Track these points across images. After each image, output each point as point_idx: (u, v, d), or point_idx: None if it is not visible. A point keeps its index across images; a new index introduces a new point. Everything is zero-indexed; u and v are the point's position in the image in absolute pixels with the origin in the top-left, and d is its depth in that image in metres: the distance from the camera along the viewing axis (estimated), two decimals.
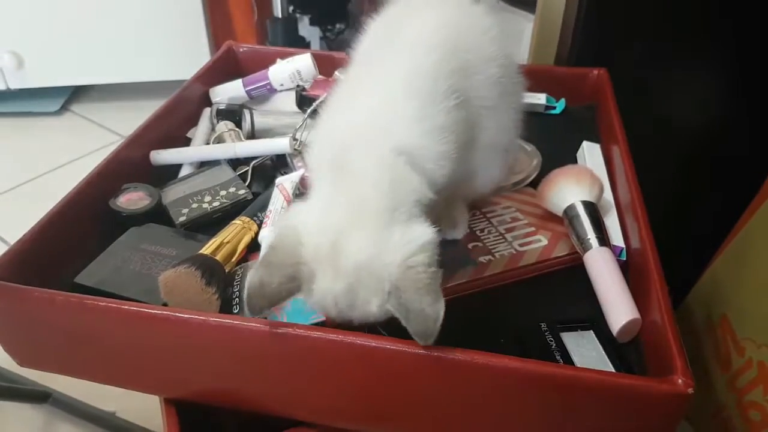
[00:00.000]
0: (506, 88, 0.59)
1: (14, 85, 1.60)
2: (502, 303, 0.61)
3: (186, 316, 0.52)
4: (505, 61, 0.59)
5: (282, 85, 0.94)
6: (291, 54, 0.98)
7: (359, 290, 0.46)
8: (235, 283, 0.62)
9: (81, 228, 0.67)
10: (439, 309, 0.44)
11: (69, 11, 1.52)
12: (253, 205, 0.72)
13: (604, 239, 0.63)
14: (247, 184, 0.77)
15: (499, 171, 0.66)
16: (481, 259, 0.64)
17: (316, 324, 0.56)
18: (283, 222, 0.51)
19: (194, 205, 0.73)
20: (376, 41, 0.60)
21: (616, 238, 0.66)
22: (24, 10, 1.52)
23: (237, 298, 0.60)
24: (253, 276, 0.47)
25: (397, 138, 0.50)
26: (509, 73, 0.60)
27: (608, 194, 0.73)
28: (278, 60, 0.97)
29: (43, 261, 0.61)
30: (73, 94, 1.72)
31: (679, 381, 0.45)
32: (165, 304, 0.58)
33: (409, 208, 0.48)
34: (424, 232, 0.47)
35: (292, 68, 0.94)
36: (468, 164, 0.58)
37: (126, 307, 0.53)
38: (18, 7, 1.51)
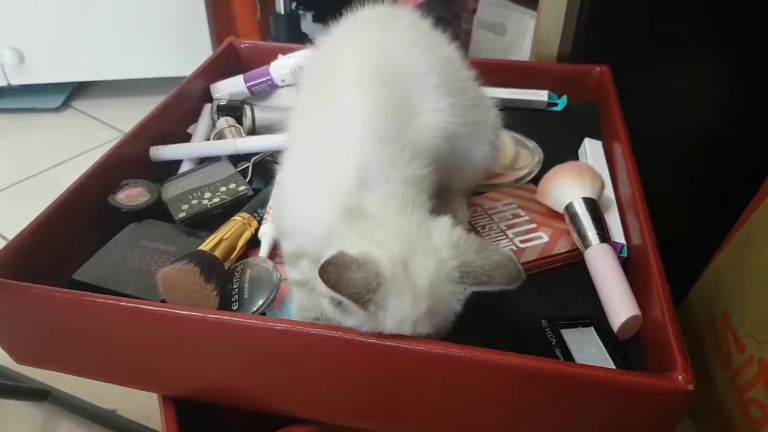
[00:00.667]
0: (453, 88, 0.59)
1: (15, 81, 1.60)
2: (503, 299, 0.60)
3: (185, 312, 0.52)
4: (441, 65, 0.59)
5: (283, 80, 0.94)
6: (293, 50, 0.97)
7: (438, 307, 0.47)
8: (234, 280, 0.61)
9: (80, 224, 0.67)
10: (505, 251, 0.47)
11: (70, 7, 1.52)
12: (253, 202, 0.72)
13: (605, 236, 0.63)
14: (247, 180, 0.77)
15: (487, 157, 0.66)
16: None
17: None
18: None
19: (194, 202, 0.73)
20: (318, 79, 0.60)
21: (617, 235, 0.66)
22: (25, 6, 1.51)
23: (236, 295, 0.60)
24: (335, 255, 0.45)
25: (385, 176, 0.51)
26: (451, 75, 0.60)
27: (609, 191, 0.72)
28: (279, 55, 0.97)
29: (41, 257, 0.61)
30: (75, 91, 1.72)
31: (680, 378, 0.45)
32: (164, 301, 0.57)
33: (423, 216, 0.50)
34: (441, 221, 0.50)
35: (294, 63, 0.93)
36: (453, 161, 0.59)
37: (124, 303, 0.53)
38: (19, 3, 1.50)
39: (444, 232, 0.49)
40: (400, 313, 0.46)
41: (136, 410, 0.98)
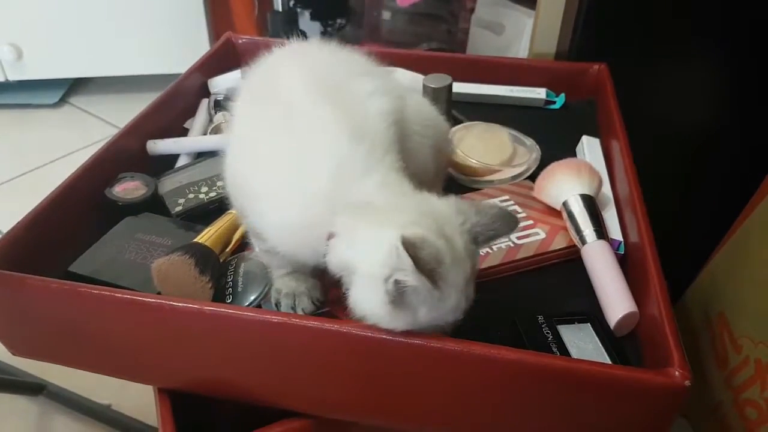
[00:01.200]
0: (387, 87, 0.61)
1: (13, 76, 1.60)
2: (500, 295, 0.61)
3: (180, 304, 0.52)
4: (375, 79, 0.61)
5: None
6: None
7: (472, 271, 0.49)
8: (229, 273, 0.61)
9: (76, 216, 0.67)
10: (493, 202, 0.51)
11: (68, 3, 1.52)
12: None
13: (602, 233, 0.63)
14: None
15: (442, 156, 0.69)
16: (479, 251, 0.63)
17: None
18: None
19: (191, 196, 0.72)
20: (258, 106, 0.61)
21: (615, 232, 0.66)
22: (23, 3, 1.51)
23: (230, 288, 0.60)
24: (405, 237, 0.44)
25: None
26: (383, 86, 0.61)
27: (607, 188, 0.72)
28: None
29: (37, 249, 0.61)
30: (72, 87, 1.72)
31: (676, 373, 0.44)
32: (159, 293, 0.57)
33: (421, 194, 0.52)
34: (433, 196, 0.52)
35: None
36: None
37: (120, 295, 0.53)
38: None
39: (445, 203, 0.51)
40: (456, 282, 0.47)
41: (130, 405, 0.98)
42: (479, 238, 0.50)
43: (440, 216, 0.49)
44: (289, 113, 0.55)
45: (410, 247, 0.43)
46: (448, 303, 0.47)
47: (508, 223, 0.51)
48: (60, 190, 0.65)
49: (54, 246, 0.63)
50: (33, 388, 0.98)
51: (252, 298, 0.59)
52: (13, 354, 0.61)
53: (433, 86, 0.84)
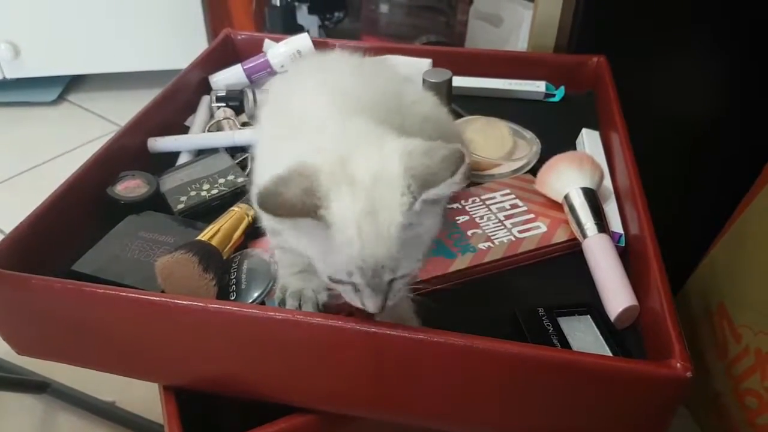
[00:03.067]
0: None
1: (11, 74, 1.59)
2: (501, 289, 0.61)
3: (184, 302, 0.52)
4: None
5: (282, 66, 0.94)
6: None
7: (380, 211, 0.44)
8: (232, 270, 0.61)
9: (78, 215, 0.67)
10: (453, 145, 0.46)
11: (65, 0, 1.51)
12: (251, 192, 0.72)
13: (603, 226, 0.63)
14: (246, 172, 0.77)
15: None
16: (481, 245, 0.64)
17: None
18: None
19: (192, 193, 0.73)
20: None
21: (615, 225, 0.66)
22: (20, 0, 1.51)
23: (234, 285, 0.60)
24: (267, 182, 0.45)
25: None
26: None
27: (608, 181, 0.73)
28: (269, 42, 0.97)
29: (40, 248, 0.61)
30: (70, 84, 1.71)
31: (678, 365, 0.45)
32: (163, 291, 0.57)
33: (383, 130, 0.51)
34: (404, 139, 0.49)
35: (291, 48, 0.94)
36: None
37: (124, 293, 0.53)
38: None
39: (401, 141, 0.48)
40: (342, 209, 0.44)
41: (135, 402, 0.98)
42: (415, 185, 0.44)
43: (366, 147, 0.47)
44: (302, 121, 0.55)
45: (268, 195, 0.44)
46: (338, 241, 0.44)
47: (450, 165, 0.44)
48: (62, 190, 0.65)
49: (57, 245, 0.63)
50: (37, 386, 0.98)
51: (255, 294, 0.59)
52: (19, 353, 0.61)
53: (432, 80, 0.84)
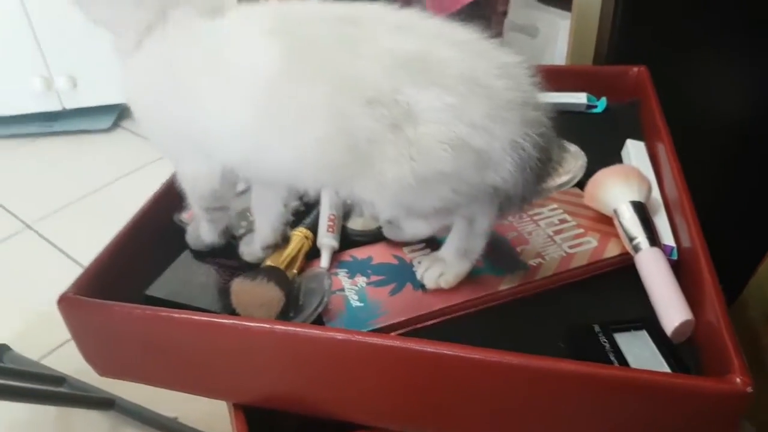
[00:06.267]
0: None
1: (69, 105, 1.68)
2: (554, 305, 0.62)
3: (253, 324, 0.56)
4: None
5: None
6: None
7: None
8: (293, 291, 0.65)
9: (150, 242, 0.71)
10: None
11: None
12: (309, 216, 0.75)
13: (654, 239, 0.64)
14: (299, 196, 0.80)
15: None
16: (532, 262, 0.65)
17: (374, 330, 0.59)
18: None
19: (252, 218, 0.76)
20: None
21: (667, 237, 0.67)
22: (76, 35, 1.59)
23: (293, 305, 0.63)
24: None
25: None
26: None
27: (656, 192, 0.73)
28: None
29: (116, 275, 0.66)
30: (123, 111, 1.79)
31: (737, 380, 0.45)
32: (233, 312, 0.61)
33: None
34: None
35: None
36: None
37: (197, 317, 0.57)
38: (70, 32, 1.58)
39: None
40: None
41: (195, 417, 1.03)
42: None
43: None
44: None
45: None
46: None
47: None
48: (134, 220, 0.70)
49: (131, 271, 0.67)
50: (104, 402, 1.04)
51: (311, 309, 0.62)
52: (100, 375, 0.66)
53: None
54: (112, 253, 0.66)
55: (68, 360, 1.07)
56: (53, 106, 1.67)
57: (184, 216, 0.75)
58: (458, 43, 0.53)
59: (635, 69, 0.94)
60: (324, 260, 0.69)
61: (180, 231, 0.74)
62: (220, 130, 0.58)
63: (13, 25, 1.54)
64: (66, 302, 0.61)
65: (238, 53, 0.56)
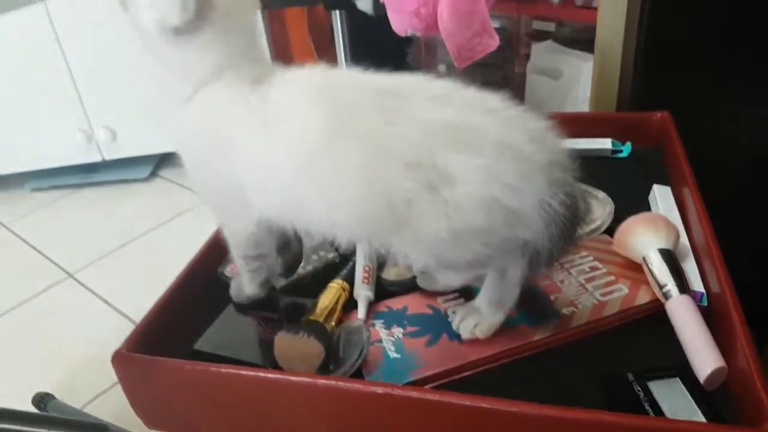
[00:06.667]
0: None
1: (108, 156, 1.76)
2: (588, 353, 0.64)
3: (296, 378, 0.59)
4: None
5: None
6: None
7: None
8: (332, 344, 0.67)
9: (196, 297, 0.75)
10: None
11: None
12: (345, 268, 0.78)
13: (684, 286, 0.65)
14: (334, 247, 0.83)
15: None
16: (565, 311, 0.67)
17: (412, 383, 0.61)
18: None
19: (327, 255, 0.81)
20: None
21: (696, 284, 0.68)
22: (115, 89, 1.67)
23: (333, 357, 0.65)
24: None
25: None
26: None
27: (684, 238, 0.75)
28: None
29: (166, 330, 0.69)
30: (161, 161, 1.87)
31: None
32: (276, 364, 0.64)
33: None
34: None
35: None
36: None
37: (245, 372, 0.60)
38: (110, 86, 1.66)
39: None
40: None
41: None
42: None
43: None
44: None
45: None
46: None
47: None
48: (181, 278, 0.74)
49: (180, 325, 0.71)
50: None
51: (350, 362, 0.64)
52: (148, 427, 0.69)
53: None
54: (162, 309, 0.70)
55: (110, 407, 1.10)
56: (94, 158, 1.76)
57: (228, 270, 0.79)
58: (491, 111, 0.57)
59: (658, 114, 0.97)
60: (360, 311, 0.71)
61: (224, 285, 0.77)
62: (261, 182, 0.62)
63: (57, 80, 1.63)
64: (119, 359, 0.64)
65: (283, 115, 0.60)
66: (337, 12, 1.39)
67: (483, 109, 0.57)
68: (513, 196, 0.55)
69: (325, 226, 0.62)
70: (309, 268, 0.80)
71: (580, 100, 1.40)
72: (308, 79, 0.63)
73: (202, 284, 0.77)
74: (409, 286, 0.75)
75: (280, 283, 0.78)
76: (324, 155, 0.58)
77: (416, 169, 0.55)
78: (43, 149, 1.75)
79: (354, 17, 1.47)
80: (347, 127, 0.58)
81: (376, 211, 0.57)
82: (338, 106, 0.59)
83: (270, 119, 0.61)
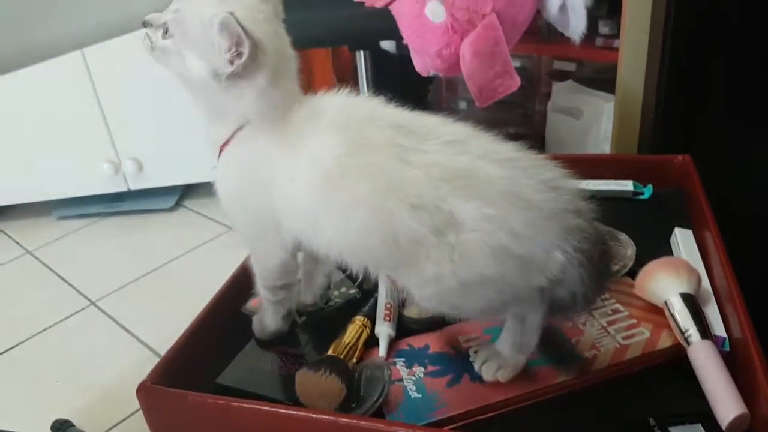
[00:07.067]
0: None
1: (135, 186, 1.79)
2: (610, 397, 0.64)
3: (317, 416, 0.59)
4: None
5: None
6: None
7: None
8: (353, 381, 0.68)
9: (220, 331, 0.76)
10: None
11: (180, 120, 1.71)
12: (367, 305, 0.78)
13: (705, 331, 0.65)
14: (356, 283, 0.85)
15: None
16: (587, 353, 0.67)
17: (433, 423, 0.61)
18: None
19: (351, 290, 0.82)
20: None
21: (718, 328, 0.68)
22: (142, 122, 1.72)
23: (355, 395, 0.66)
24: None
25: None
26: None
27: (706, 282, 0.74)
28: None
29: (190, 363, 0.71)
30: (185, 191, 1.90)
31: None
32: (297, 400, 0.64)
33: None
34: None
35: None
36: None
37: (266, 408, 0.61)
38: (137, 119, 1.71)
39: None
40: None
41: None
42: None
43: None
44: None
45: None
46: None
47: None
48: (204, 313, 0.76)
49: (204, 359, 0.72)
50: None
51: (372, 401, 0.64)
52: None
53: None
54: (186, 342, 0.71)
55: None
56: (120, 188, 1.79)
57: (250, 304, 0.80)
58: (504, 160, 0.58)
59: (680, 158, 0.97)
60: (381, 349, 0.72)
61: (247, 320, 0.78)
62: (290, 206, 0.64)
63: (85, 111, 1.68)
64: (144, 390, 0.66)
65: (305, 142, 0.62)
66: (361, 52, 1.42)
67: (496, 158, 0.58)
68: (522, 244, 0.56)
69: (337, 251, 0.63)
70: (331, 303, 0.81)
71: (601, 139, 1.41)
72: (332, 106, 0.65)
73: (226, 318, 0.78)
74: (430, 324, 0.75)
75: (302, 318, 0.79)
76: (336, 182, 0.60)
77: (421, 211, 0.56)
78: (71, 179, 1.79)
79: (377, 56, 1.50)
80: (359, 158, 0.60)
81: (381, 244, 0.59)
82: (355, 136, 0.61)
83: (295, 146, 0.63)
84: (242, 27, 0.57)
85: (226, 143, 0.67)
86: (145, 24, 0.64)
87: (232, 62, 0.59)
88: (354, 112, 0.64)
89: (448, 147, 0.59)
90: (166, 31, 0.62)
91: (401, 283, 0.62)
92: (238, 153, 0.66)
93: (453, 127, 0.62)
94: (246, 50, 0.58)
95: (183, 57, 0.62)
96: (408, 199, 0.56)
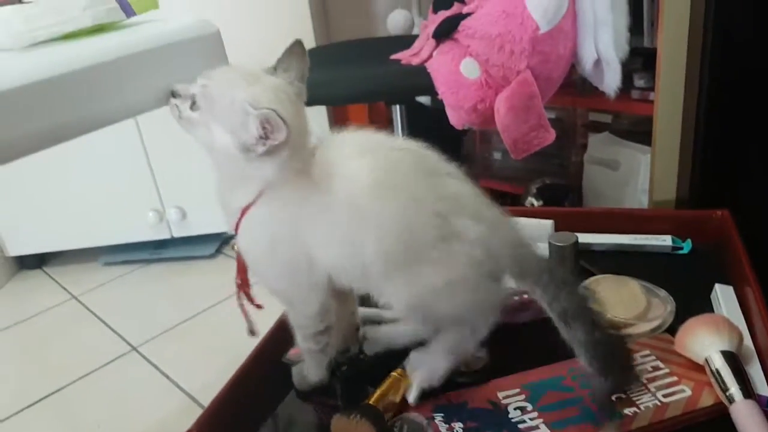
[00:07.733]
0: None
1: (178, 234, 1.86)
2: None
3: None
4: None
5: None
6: None
7: None
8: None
9: (261, 382, 0.78)
10: None
11: None
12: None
13: (748, 390, 0.64)
14: None
15: None
16: (626, 411, 0.67)
17: None
18: None
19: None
20: None
21: (761, 387, 0.67)
22: (187, 171, 1.79)
23: None
24: None
25: None
26: None
27: (748, 340, 0.74)
28: None
29: (232, 415, 0.72)
30: (226, 240, 1.95)
31: None
32: None
33: None
34: None
35: None
36: None
37: None
38: (181, 168, 1.78)
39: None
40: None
41: None
42: None
43: None
44: None
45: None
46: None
47: None
48: (246, 364, 0.78)
49: (246, 409, 0.74)
50: None
51: None
52: None
53: (558, 244, 0.91)
54: (229, 393, 0.73)
55: None
56: (164, 235, 1.85)
57: (291, 353, 0.82)
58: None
59: (719, 213, 0.97)
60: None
61: (287, 370, 0.80)
62: (324, 238, 0.68)
63: (133, 162, 1.76)
64: None
65: (334, 173, 0.67)
66: (397, 106, 1.47)
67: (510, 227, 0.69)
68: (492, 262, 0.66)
69: (371, 258, 0.66)
70: (361, 355, 0.82)
71: (639, 191, 1.41)
72: (348, 138, 0.71)
73: (267, 369, 0.80)
74: (472, 377, 0.76)
75: (343, 368, 0.80)
76: (377, 192, 0.66)
77: (440, 219, 0.65)
78: (118, 226, 1.86)
79: (412, 107, 1.54)
80: (390, 173, 0.67)
81: (396, 246, 0.65)
82: (378, 155, 0.68)
83: (324, 181, 0.67)
84: (282, 118, 0.60)
85: (248, 206, 0.69)
86: (174, 94, 0.66)
87: (263, 143, 0.62)
88: (368, 139, 0.70)
89: (472, 218, 0.67)
90: (193, 103, 0.64)
91: (388, 293, 0.68)
92: (265, 210, 0.68)
93: (480, 200, 0.70)
94: (282, 137, 0.61)
95: (210, 129, 0.64)
96: (434, 206, 0.65)
